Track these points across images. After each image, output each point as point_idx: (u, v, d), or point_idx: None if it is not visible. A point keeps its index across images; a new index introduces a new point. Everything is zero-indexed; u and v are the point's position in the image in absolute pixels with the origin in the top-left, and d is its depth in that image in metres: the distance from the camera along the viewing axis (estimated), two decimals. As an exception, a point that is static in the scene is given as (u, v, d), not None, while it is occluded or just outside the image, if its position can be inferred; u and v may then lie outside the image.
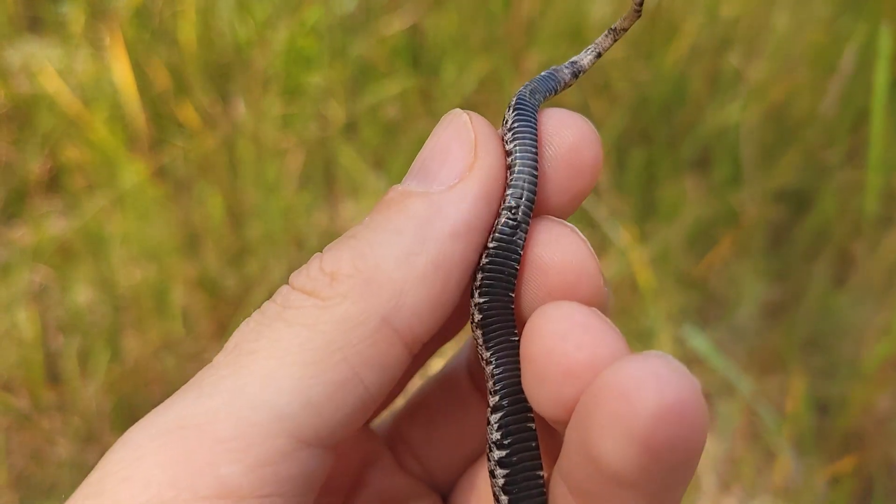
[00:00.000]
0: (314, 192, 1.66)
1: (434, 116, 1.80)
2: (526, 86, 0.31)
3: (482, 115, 0.27)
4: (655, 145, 1.69)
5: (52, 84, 1.66)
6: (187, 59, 1.69)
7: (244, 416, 0.22)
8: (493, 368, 0.27)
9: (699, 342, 1.09)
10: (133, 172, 1.58)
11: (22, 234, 1.74)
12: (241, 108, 1.67)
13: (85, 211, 1.51)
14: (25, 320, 1.59)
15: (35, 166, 1.73)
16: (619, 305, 1.52)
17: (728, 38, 1.83)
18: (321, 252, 0.27)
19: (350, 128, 1.78)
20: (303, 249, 1.70)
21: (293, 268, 1.14)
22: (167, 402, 0.24)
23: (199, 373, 0.25)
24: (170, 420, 0.23)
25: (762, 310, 1.64)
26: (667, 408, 0.20)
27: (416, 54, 1.90)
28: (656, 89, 1.72)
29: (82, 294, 1.69)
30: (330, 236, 1.74)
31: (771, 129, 1.73)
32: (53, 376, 1.64)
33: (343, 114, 1.71)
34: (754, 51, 1.82)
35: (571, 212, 0.28)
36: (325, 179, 1.69)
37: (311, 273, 0.26)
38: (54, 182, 1.88)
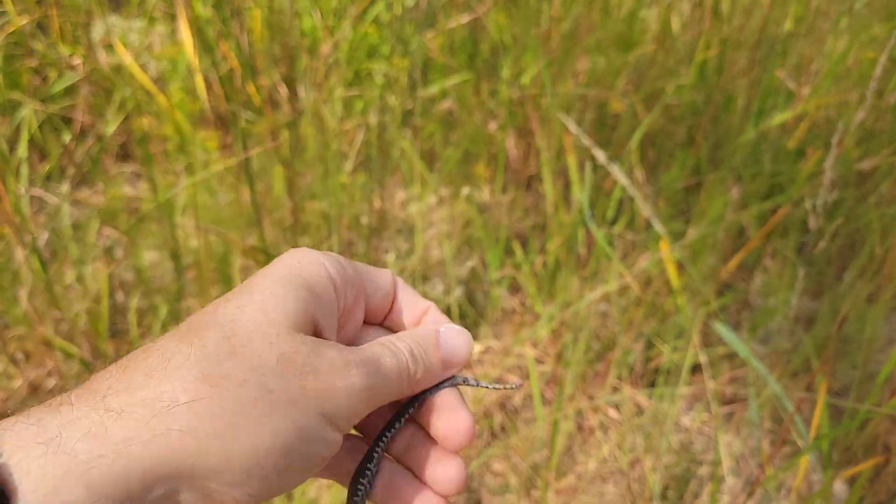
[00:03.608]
0: (369, 174, 1.74)
1: (488, 112, 1.87)
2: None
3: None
4: (698, 150, 1.74)
5: (130, 57, 1.76)
6: (256, 41, 1.78)
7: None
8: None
9: (730, 337, 1.15)
10: (201, 145, 1.68)
11: (93, 196, 1.85)
12: (305, 91, 1.75)
13: (155, 179, 1.60)
14: (91, 275, 1.69)
15: (110, 133, 1.83)
16: (652, 302, 1.58)
17: (782, 51, 1.87)
18: None
19: (407, 117, 1.86)
20: (355, 227, 1.78)
21: (345, 243, 1.22)
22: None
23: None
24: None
25: (794, 318, 1.68)
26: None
27: (475, 50, 1.97)
28: (704, 98, 1.77)
29: (148, 256, 1.79)
30: (381, 217, 1.82)
31: (814, 142, 1.77)
32: (114, 332, 1.75)
33: (401, 103, 1.79)
34: (806, 66, 1.85)
35: None
36: (380, 164, 1.77)
37: None
38: (126, 149, 1.99)
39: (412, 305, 0.46)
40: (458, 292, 1.68)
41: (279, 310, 0.35)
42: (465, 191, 1.81)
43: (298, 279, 0.37)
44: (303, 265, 0.38)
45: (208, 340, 0.33)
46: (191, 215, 1.64)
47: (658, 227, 1.27)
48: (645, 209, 1.45)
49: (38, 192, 1.69)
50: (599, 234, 1.36)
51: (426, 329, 0.43)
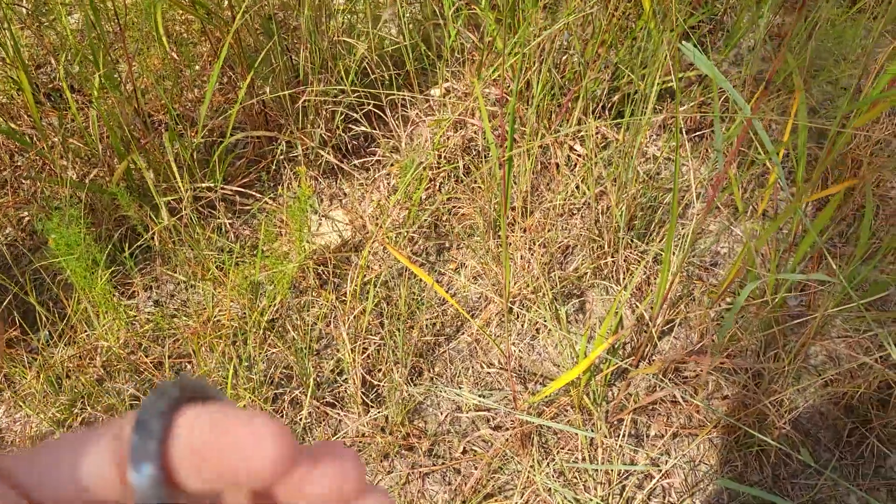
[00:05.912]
0: None
1: None
2: None
3: None
4: None
5: None
6: None
7: None
8: None
9: (697, 57, 1.06)
10: None
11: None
12: None
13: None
14: (11, 38, 1.56)
15: None
16: (620, 26, 1.48)
17: None
18: None
19: None
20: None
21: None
22: None
23: None
24: None
25: (768, 35, 1.59)
26: None
27: None
28: None
29: (74, 18, 1.65)
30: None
31: None
32: (54, 103, 1.65)
33: None
34: None
35: None
36: None
37: None
38: None
39: None
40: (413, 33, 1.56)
41: None
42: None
43: None
44: None
45: None
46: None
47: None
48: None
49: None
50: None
51: None
